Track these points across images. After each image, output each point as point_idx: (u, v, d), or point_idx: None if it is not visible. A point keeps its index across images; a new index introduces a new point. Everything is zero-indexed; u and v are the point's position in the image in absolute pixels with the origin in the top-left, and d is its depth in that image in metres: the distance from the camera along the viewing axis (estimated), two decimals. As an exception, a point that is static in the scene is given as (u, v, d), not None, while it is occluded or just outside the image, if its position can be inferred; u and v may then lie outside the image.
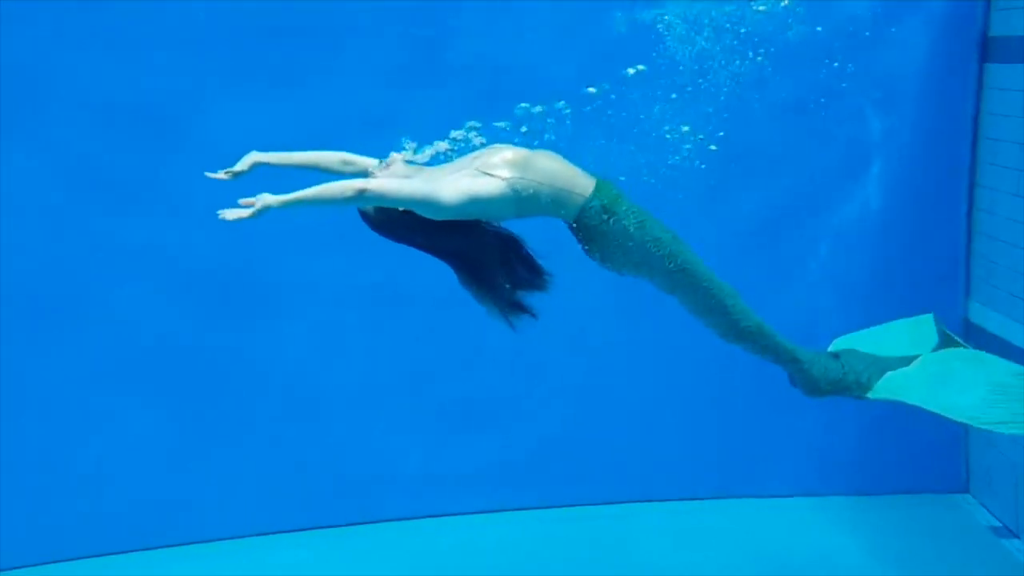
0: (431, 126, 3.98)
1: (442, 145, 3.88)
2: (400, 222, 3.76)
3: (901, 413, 4.37)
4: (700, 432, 6.31)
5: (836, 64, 5.85)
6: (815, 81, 5.86)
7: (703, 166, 4.59)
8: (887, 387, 4.10)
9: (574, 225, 3.82)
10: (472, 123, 3.90)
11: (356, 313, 6.08)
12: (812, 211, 6.20)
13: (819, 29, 5.63)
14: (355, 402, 6.15)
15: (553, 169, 3.76)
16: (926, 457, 6.30)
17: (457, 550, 5.95)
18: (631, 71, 4.55)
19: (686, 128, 4.56)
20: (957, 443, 6.30)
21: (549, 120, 4.05)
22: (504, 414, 6.24)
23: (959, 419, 3.95)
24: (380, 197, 3.60)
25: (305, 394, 6.09)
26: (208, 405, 5.98)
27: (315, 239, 5.78)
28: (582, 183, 3.77)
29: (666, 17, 4.63)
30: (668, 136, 4.54)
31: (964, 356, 4.20)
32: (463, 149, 3.86)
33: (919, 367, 4.12)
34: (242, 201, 3.50)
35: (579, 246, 3.86)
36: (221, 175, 3.75)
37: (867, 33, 5.92)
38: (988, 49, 5.90)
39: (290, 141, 4.02)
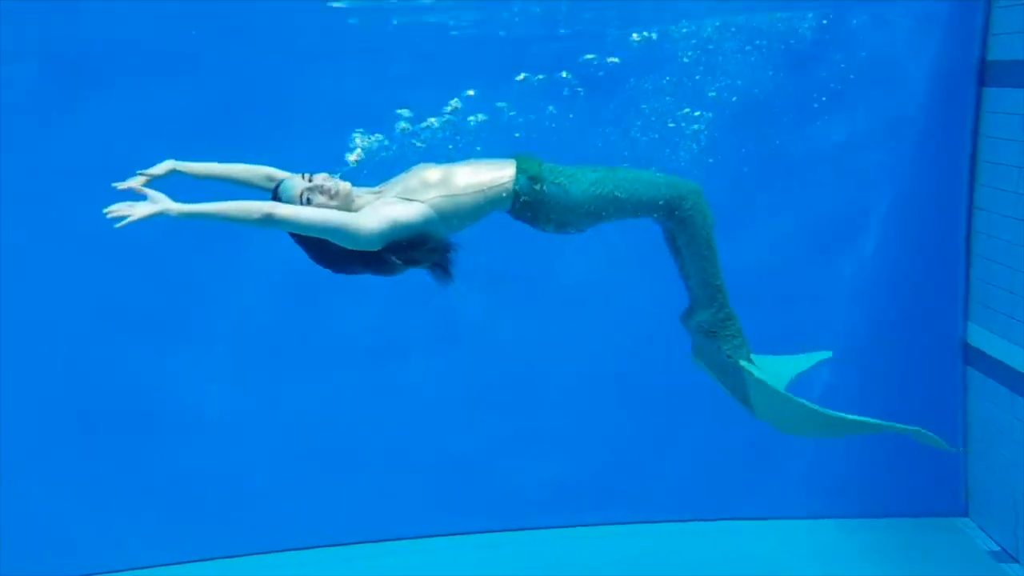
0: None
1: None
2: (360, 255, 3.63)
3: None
4: (698, 454, 6.30)
5: (835, 86, 5.89)
6: (813, 104, 5.90)
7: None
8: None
9: (515, 211, 3.78)
10: (469, 91, 3.87)
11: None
12: (810, 235, 6.22)
13: (818, 52, 5.67)
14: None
15: (472, 176, 3.73)
16: (926, 481, 6.27)
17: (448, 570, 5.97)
18: (636, 37, 4.52)
19: (698, 114, 4.55)
20: (957, 467, 6.28)
21: (550, 110, 4.01)
22: (497, 435, 6.24)
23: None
24: (289, 222, 3.48)
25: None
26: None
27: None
28: (504, 173, 3.75)
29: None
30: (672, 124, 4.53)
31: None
32: (460, 121, 3.83)
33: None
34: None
35: (532, 228, 3.83)
36: (134, 182, 3.53)
37: (865, 56, 5.95)
38: (986, 73, 5.93)
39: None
